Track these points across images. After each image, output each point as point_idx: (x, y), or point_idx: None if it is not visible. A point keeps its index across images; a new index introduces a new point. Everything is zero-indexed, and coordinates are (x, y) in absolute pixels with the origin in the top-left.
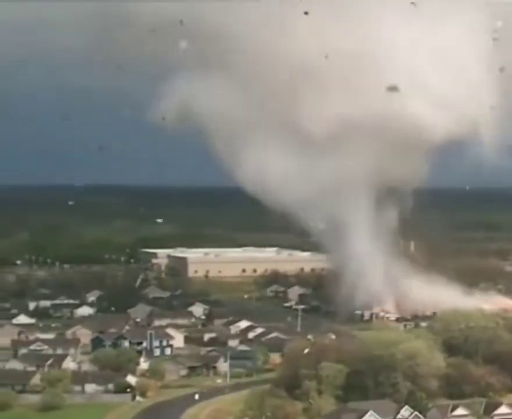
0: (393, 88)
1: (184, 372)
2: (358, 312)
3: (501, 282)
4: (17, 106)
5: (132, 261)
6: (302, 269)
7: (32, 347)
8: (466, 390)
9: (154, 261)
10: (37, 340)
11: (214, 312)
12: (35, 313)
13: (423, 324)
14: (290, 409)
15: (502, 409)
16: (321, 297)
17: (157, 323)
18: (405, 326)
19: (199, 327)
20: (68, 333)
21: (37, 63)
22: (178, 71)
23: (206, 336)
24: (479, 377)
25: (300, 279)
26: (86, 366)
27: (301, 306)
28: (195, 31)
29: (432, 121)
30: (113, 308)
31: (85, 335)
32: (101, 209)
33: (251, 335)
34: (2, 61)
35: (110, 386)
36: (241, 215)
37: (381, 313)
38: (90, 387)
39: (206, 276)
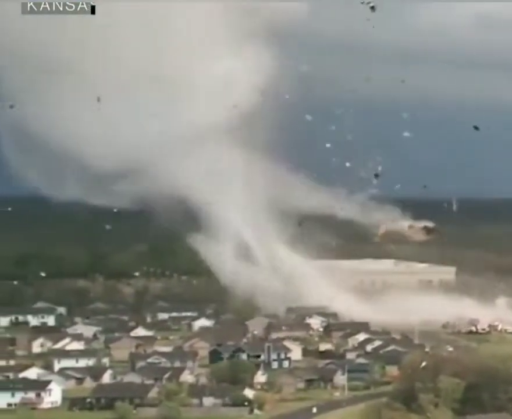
0: None
1: (301, 385)
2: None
3: None
4: None
5: None
6: (420, 281)
7: (150, 360)
8: None
9: None
10: (155, 353)
11: (332, 324)
12: (153, 326)
13: None
14: None
15: None
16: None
17: (275, 335)
18: None
19: (317, 339)
20: (186, 346)
21: None
22: None
23: (324, 349)
24: None
25: None
26: (204, 379)
27: None
28: None
29: None
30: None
31: (203, 348)
32: None
33: (368, 348)
34: None
35: (228, 399)
36: None
37: (500, 326)
38: (208, 401)
39: None
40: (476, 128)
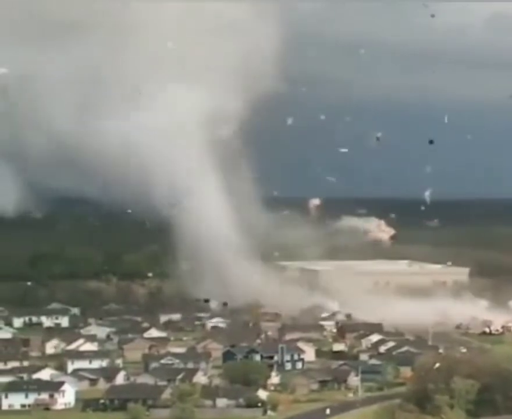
0: None
1: (315, 386)
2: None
3: None
4: None
5: None
6: (433, 282)
7: (163, 361)
8: None
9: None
10: (168, 354)
11: (345, 325)
12: (167, 327)
13: None
14: None
15: None
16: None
17: (288, 337)
18: None
19: (330, 340)
20: (199, 347)
21: None
22: None
23: (337, 350)
24: None
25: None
26: (217, 381)
27: None
28: None
29: None
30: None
31: (216, 349)
32: None
33: (382, 349)
34: None
35: (241, 401)
36: None
37: None
38: (221, 402)
39: None
40: (431, 142)
